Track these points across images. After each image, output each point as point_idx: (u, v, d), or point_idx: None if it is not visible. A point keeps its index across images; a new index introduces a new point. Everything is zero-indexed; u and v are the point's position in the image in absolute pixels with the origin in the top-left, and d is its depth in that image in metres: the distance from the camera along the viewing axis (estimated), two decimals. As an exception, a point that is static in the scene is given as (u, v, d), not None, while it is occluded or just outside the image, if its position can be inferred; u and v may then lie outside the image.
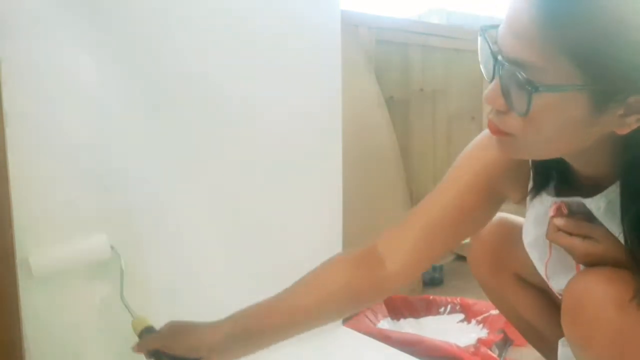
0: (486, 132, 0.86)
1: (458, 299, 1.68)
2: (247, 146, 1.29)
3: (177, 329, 0.87)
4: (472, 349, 1.37)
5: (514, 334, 1.51)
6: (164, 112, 1.16)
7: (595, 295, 0.70)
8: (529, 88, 0.61)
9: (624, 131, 0.63)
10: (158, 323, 1.00)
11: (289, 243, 1.38)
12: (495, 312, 1.57)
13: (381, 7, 2.23)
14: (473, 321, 1.59)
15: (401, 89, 2.10)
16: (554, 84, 0.61)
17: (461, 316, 1.63)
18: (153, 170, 1.17)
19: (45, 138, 1.02)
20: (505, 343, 1.49)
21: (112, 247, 1.00)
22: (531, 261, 0.91)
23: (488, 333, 1.50)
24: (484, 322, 1.57)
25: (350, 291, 0.88)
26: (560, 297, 0.84)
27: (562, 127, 0.64)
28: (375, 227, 1.84)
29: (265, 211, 1.34)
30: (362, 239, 1.74)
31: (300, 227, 1.41)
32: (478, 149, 0.88)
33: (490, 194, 0.87)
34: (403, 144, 2.04)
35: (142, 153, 1.15)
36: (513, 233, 0.94)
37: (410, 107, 2.13)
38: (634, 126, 0.62)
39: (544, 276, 0.88)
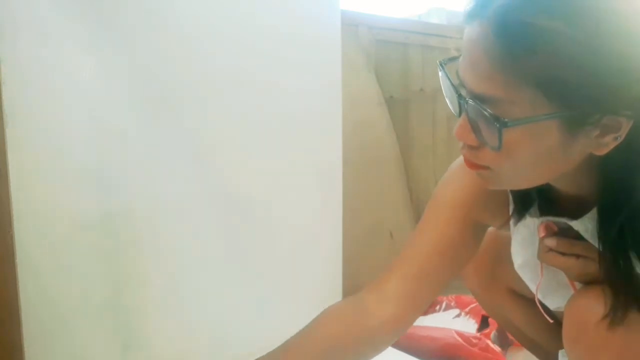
0: (457, 162, 0.85)
1: (453, 297, 1.69)
2: (247, 146, 1.28)
3: None
4: (473, 341, 1.38)
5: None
6: (164, 112, 1.16)
7: (597, 314, 0.68)
8: (497, 124, 0.59)
9: (602, 152, 0.61)
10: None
11: (289, 243, 1.38)
12: None
13: (381, 7, 2.23)
14: (462, 313, 1.62)
15: (401, 89, 2.09)
16: (522, 116, 0.59)
17: (457, 311, 1.65)
18: (154, 169, 1.17)
19: (45, 138, 1.02)
20: (503, 338, 1.50)
21: None
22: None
23: (474, 322, 1.53)
24: (470, 312, 1.60)
25: (342, 347, 0.84)
26: (556, 313, 0.84)
27: (539, 157, 0.62)
28: (376, 227, 1.85)
29: (265, 211, 1.34)
30: (362, 239, 1.75)
31: (300, 227, 1.41)
32: (451, 182, 0.86)
33: (471, 226, 0.84)
34: (403, 144, 2.04)
35: (142, 152, 1.14)
36: (506, 248, 0.91)
37: (410, 107, 2.13)
38: (612, 145, 0.60)
39: (535, 294, 0.86)
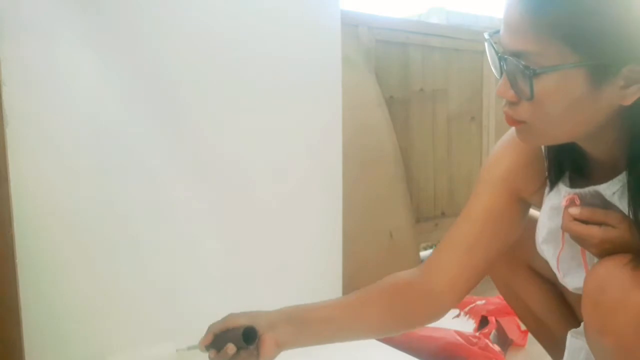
0: (502, 140, 0.92)
1: None
2: (248, 146, 1.28)
3: (237, 313, 0.92)
4: (473, 340, 1.38)
5: (513, 333, 1.52)
6: (165, 113, 1.16)
7: (619, 280, 0.70)
8: (528, 73, 0.66)
9: (628, 102, 0.66)
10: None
11: (288, 243, 1.38)
12: (480, 302, 1.61)
13: (381, 7, 2.24)
14: (462, 314, 1.62)
15: (401, 89, 2.09)
16: (550, 65, 0.66)
17: (456, 311, 1.65)
18: (154, 169, 1.17)
19: (45, 138, 1.02)
20: (502, 338, 1.50)
21: (177, 350, 1.03)
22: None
23: (473, 322, 1.55)
24: (469, 312, 1.61)
25: (395, 313, 0.92)
26: (575, 292, 0.84)
27: (568, 107, 0.68)
28: (376, 227, 1.85)
29: (265, 211, 1.34)
30: (362, 239, 1.75)
31: (300, 227, 1.41)
32: (496, 157, 0.92)
33: (514, 199, 0.90)
34: (403, 144, 2.04)
35: (142, 152, 1.15)
36: (529, 224, 0.95)
37: (410, 107, 2.13)
38: (636, 96, 0.65)
39: (556, 271, 0.88)
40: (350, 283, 1.51)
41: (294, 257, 1.40)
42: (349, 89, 1.53)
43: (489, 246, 0.90)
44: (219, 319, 0.91)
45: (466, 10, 2.50)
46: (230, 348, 0.85)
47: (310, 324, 0.90)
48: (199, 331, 1.25)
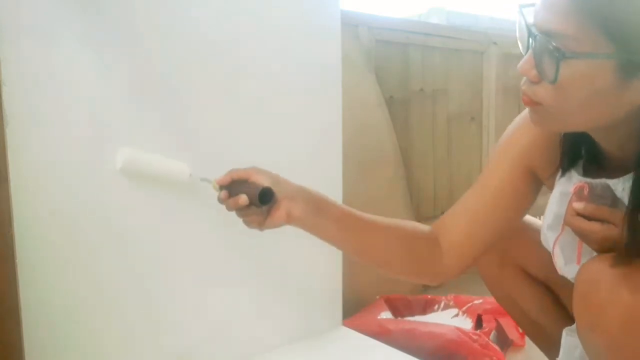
0: (520, 116, 0.91)
1: (451, 296, 1.70)
2: (247, 146, 1.28)
3: (261, 168, 0.90)
4: (474, 337, 1.38)
5: (513, 334, 1.52)
6: (164, 112, 1.16)
7: (610, 278, 0.70)
8: (558, 55, 0.65)
9: None
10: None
11: (288, 243, 1.38)
12: (477, 301, 1.62)
13: (381, 7, 2.24)
14: (460, 313, 1.63)
15: (401, 89, 2.10)
16: (582, 51, 0.64)
17: (455, 311, 1.66)
18: (153, 170, 1.17)
19: (45, 138, 1.02)
20: (502, 338, 1.50)
21: (190, 175, 1.02)
22: (537, 254, 0.92)
23: (471, 321, 1.56)
24: (467, 311, 1.62)
25: (401, 251, 0.92)
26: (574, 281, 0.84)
27: (590, 97, 0.67)
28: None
29: (265, 211, 1.34)
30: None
31: (300, 227, 1.41)
32: (513, 133, 0.92)
33: (527, 175, 0.90)
34: (403, 144, 2.04)
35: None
36: (524, 227, 0.95)
37: (410, 107, 2.13)
38: None
39: (554, 258, 0.88)
40: (350, 283, 1.51)
41: (293, 257, 1.40)
42: (349, 89, 1.53)
43: (498, 218, 0.91)
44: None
45: (466, 10, 2.50)
46: (243, 199, 0.84)
47: (325, 215, 0.90)
48: (199, 330, 1.25)
